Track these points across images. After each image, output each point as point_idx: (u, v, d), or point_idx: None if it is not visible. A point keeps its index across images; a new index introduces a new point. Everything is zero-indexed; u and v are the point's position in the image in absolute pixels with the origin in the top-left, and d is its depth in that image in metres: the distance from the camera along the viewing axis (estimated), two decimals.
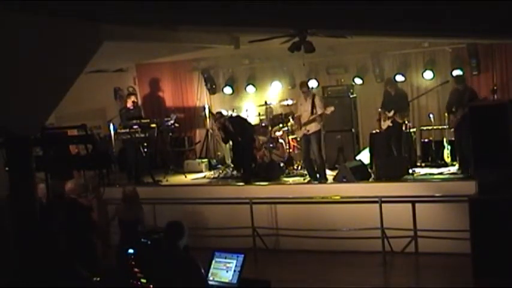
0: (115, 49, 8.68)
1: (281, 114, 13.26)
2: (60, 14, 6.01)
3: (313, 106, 10.93)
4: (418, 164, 11.74)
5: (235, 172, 12.19)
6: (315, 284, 8.65)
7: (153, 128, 12.26)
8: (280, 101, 13.62)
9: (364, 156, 11.84)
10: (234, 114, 13.10)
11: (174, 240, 5.48)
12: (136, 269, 6.04)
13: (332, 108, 10.94)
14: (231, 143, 12.36)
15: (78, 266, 5.82)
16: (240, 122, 12.01)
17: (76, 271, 5.70)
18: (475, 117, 8.15)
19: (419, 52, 12.92)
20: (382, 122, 11.45)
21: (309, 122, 10.92)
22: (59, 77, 6.38)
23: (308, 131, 10.95)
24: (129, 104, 12.55)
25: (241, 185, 11.28)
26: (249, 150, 11.84)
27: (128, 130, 12.11)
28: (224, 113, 12.81)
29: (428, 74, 12.41)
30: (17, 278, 6.05)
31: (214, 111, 12.99)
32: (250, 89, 14.03)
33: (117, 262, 6.89)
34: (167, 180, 12.54)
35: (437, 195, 9.50)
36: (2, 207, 6.64)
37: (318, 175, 11.04)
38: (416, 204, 9.55)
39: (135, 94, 13.61)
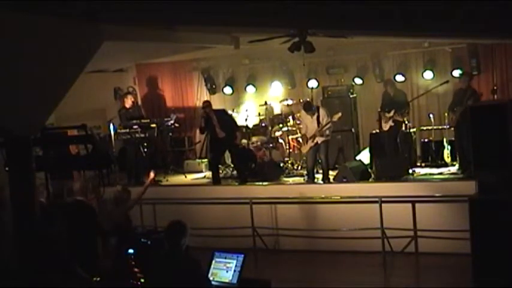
0: (115, 49, 8.67)
1: (281, 114, 13.27)
2: (60, 14, 6.01)
3: (318, 120, 10.92)
4: (418, 164, 11.75)
5: (235, 172, 12.19)
6: (314, 284, 8.65)
7: (153, 128, 12.26)
8: (281, 102, 13.61)
9: (364, 156, 11.84)
10: (220, 108, 12.90)
11: (176, 240, 5.48)
12: (136, 269, 6.04)
13: (339, 115, 10.92)
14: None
15: (78, 267, 5.81)
16: (224, 116, 11.88)
17: (76, 272, 5.70)
18: (475, 117, 8.14)
19: (419, 52, 12.92)
20: (383, 123, 11.45)
21: (317, 133, 10.90)
22: (59, 77, 6.38)
23: (317, 143, 10.95)
24: (128, 104, 12.53)
25: (241, 185, 11.28)
26: (232, 148, 11.77)
27: (127, 130, 12.11)
28: None
29: (428, 74, 12.42)
30: (16, 279, 6.05)
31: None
32: (250, 89, 14.03)
33: (115, 263, 6.88)
34: (167, 180, 12.54)
35: (437, 195, 9.49)
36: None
37: (321, 176, 11.07)
38: (416, 204, 9.55)
39: (132, 93, 13.57)
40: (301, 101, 12.73)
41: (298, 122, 12.76)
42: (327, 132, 10.92)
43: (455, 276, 8.48)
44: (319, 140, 10.93)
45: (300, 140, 11.93)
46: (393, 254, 9.59)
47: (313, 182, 10.98)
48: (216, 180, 11.67)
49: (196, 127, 14.68)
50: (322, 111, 11.05)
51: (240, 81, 14.40)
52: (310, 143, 11.00)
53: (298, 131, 12.80)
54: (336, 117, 10.89)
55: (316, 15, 7.53)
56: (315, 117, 10.97)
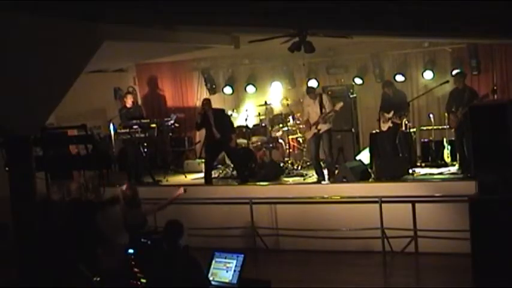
0: (115, 49, 8.68)
1: (281, 114, 13.26)
2: (60, 14, 6.02)
3: (321, 106, 10.94)
4: (418, 164, 11.73)
5: (235, 172, 12.17)
6: (315, 284, 8.64)
7: (153, 128, 12.25)
8: (282, 101, 13.59)
9: (364, 156, 11.84)
10: (219, 107, 12.78)
11: (174, 240, 5.49)
12: (136, 269, 6.04)
13: (341, 104, 10.99)
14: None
15: (81, 266, 5.83)
16: (221, 116, 11.81)
17: (78, 270, 5.71)
18: (475, 117, 8.14)
19: (419, 52, 12.91)
20: (382, 124, 11.45)
21: (321, 120, 10.93)
22: (59, 77, 6.39)
23: (319, 130, 10.97)
24: (128, 104, 12.53)
25: (241, 185, 11.27)
26: (227, 150, 11.74)
27: (128, 130, 12.11)
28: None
29: (428, 74, 12.41)
30: (17, 278, 6.06)
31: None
32: (250, 89, 14.03)
33: (122, 264, 6.87)
34: (167, 180, 12.53)
35: (437, 195, 9.49)
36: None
37: (326, 173, 11.09)
38: (416, 204, 9.54)
39: (132, 93, 13.57)
40: (301, 100, 12.75)
41: (298, 122, 12.76)
42: (330, 119, 10.96)
43: (455, 276, 8.48)
44: (321, 128, 10.93)
45: (302, 136, 11.92)
46: (393, 254, 9.59)
47: (321, 174, 11.02)
48: (207, 180, 11.61)
49: None
50: (325, 97, 11.13)
51: (240, 81, 14.40)
52: (314, 130, 11.01)
53: (298, 131, 12.80)
54: (337, 107, 10.92)
55: (316, 15, 7.54)
56: (317, 103, 10.99)
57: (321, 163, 11.25)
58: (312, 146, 11.22)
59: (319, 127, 10.96)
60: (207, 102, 11.78)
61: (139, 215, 7.86)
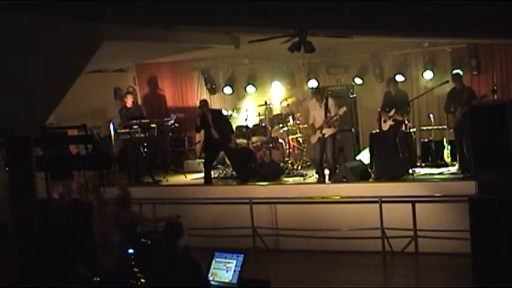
0: (115, 49, 8.69)
1: (281, 114, 13.26)
2: (60, 14, 6.02)
3: (326, 110, 10.94)
4: (418, 164, 11.74)
5: (234, 172, 12.18)
6: (314, 284, 8.64)
7: (153, 128, 12.26)
8: (283, 101, 13.60)
9: (364, 156, 11.84)
10: (217, 108, 12.82)
11: (174, 240, 5.49)
12: (136, 269, 6.04)
13: (344, 109, 11.00)
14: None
15: (80, 266, 5.82)
16: (220, 117, 11.85)
17: (77, 271, 5.70)
18: (475, 117, 8.14)
19: (419, 52, 12.92)
20: (383, 123, 11.45)
21: (325, 125, 10.94)
22: (59, 77, 6.39)
23: (324, 134, 10.98)
24: (129, 103, 12.54)
25: (241, 185, 11.27)
26: (226, 150, 11.77)
27: (127, 130, 12.11)
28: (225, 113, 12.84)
29: (428, 74, 12.42)
30: (17, 278, 6.06)
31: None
32: (250, 89, 14.03)
33: (118, 263, 6.88)
34: (167, 180, 12.54)
35: (437, 195, 9.49)
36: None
37: (328, 174, 11.12)
38: (416, 204, 9.54)
39: (132, 93, 13.57)
40: (300, 99, 12.76)
41: (297, 122, 12.77)
42: (335, 123, 10.98)
43: (455, 276, 8.48)
44: (326, 132, 10.94)
45: (302, 136, 11.91)
46: (393, 254, 9.60)
47: (323, 176, 11.04)
48: (207, 180, 11.64)
49: None
50: (330, 101, 11.13)
51: (240, 81, 14.40)
52: (318, 134, 11.01)
53: (298, 131, 12.80)
54: (341, 111, 10.94)
55: (316, 15, 7.54)
56: (323, 106, 11.00)
57: (323, 167, 11.27)
58: (316, 151, 11.20)
59: (323, 131, 10.97)
60: (204, 103, 11.81)
61: (130, 217, 7.84)
